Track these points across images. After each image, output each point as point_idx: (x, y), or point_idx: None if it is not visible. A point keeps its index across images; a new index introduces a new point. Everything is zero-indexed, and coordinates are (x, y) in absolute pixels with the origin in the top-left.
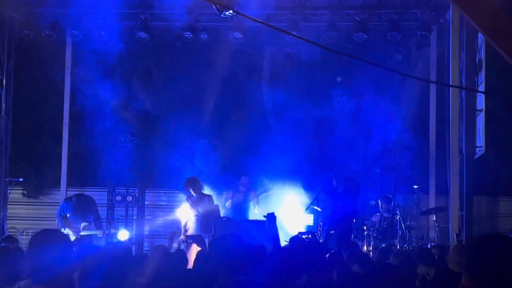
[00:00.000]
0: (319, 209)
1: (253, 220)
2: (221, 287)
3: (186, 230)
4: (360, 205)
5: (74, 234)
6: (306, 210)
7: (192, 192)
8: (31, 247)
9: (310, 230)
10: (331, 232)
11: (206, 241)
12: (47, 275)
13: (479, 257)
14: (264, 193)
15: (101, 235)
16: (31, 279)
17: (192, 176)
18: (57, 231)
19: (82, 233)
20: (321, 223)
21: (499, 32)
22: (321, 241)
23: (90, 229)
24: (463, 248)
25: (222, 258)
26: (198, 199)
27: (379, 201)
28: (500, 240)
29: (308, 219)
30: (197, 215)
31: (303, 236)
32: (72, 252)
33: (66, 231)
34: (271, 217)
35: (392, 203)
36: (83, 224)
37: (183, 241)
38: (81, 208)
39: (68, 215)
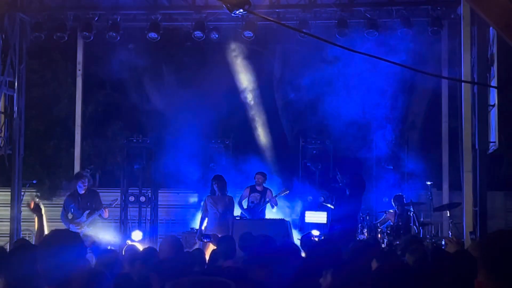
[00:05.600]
0: (332, 206)
1: (268, 219)
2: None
3: (202, 230)
4: (370, 200)
5: (79, 230)
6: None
7: (216, 190)
8: (43, 248)
9: (321, 231)
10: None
11: None
12: (59, 276)
13: (495, 253)
14: (282, 194)
15: (105, 215)
16: (43, 280)
17: (219, 174)
18: (70, 231)
19: (85, 223)
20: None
21: (511, 26)
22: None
23: (92, 215)
24: (479, 244)
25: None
26: (219, 198)
27: (392, 199)
28: None
29: (322, 218)
30: (215, 213)
31: (316, 239)
32: (85, 253)
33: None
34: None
35: (404, 200)
36: (86, 212)
37: (198, 239)
38: (84, 200)
39: (72, 210)
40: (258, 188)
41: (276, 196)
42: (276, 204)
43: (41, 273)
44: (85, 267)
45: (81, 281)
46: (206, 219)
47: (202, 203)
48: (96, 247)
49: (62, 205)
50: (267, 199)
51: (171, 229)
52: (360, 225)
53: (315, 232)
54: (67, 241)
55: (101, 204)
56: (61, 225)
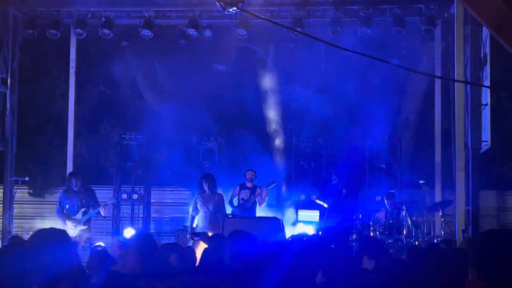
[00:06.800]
0: (325, 204)
1: (261, 217)
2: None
3: (193, 228)
4: (363, 198)
5: (74, 227)
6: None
7: (206, 188)
8: (31, 246)
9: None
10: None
11: None
12: (48, 275)
13: (485, 253)
14: (270, 186)
15: (103, 214)
16: (31, 279)
17: (208, 172)
18: (58, 230)
19: (79, 217)
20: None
21: (503, 26)
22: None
23: (88, 213)
24: (470, 243)
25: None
26: (209, 196)
27: (384, 197)
28: (506, 235)
29: (314, 216)
30: (206, 212)
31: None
32: (73, 251)
33: (68, 225)
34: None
35: (397, 199)
36: (81, 211)
37: (189, 238)
38: (79, 197)
39: (67, 206)
40: (248, 185)
41: (264, 188)
42: (267, 196)
43: (31, 271)
44: (74, 266)
45: (70, 279)
46: (197, 217)
47: (191, 202)
48: (90, 244)
49: (54, 202)
50: (257, 195)
51: (164, 227)
52: (354, 223)
53: (308, 231)
54: (55, 239)
55: (97, 202)
56: (55, 222)
